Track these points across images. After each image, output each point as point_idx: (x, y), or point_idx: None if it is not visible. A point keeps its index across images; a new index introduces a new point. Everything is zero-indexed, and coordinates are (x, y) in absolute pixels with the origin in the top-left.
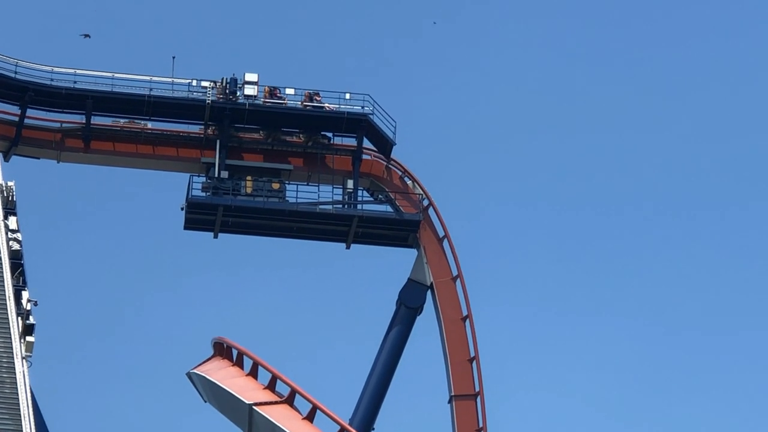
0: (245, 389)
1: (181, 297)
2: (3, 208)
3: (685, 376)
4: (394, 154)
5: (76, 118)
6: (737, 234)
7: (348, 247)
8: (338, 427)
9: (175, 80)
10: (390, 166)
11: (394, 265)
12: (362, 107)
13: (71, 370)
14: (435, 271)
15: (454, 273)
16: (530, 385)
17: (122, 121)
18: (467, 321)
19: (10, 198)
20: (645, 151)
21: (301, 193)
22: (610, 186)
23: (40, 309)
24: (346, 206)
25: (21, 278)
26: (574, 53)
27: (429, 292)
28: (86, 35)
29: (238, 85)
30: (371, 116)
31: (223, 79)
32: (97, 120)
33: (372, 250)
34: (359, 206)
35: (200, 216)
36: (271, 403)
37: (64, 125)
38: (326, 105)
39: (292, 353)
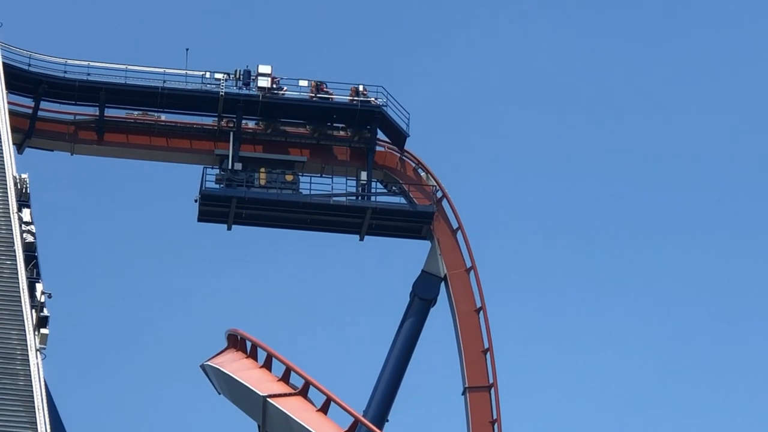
0: (259, 381)
1: (195, 289)
2: (17, 201)
3: (703, 364)
4: (408, 146)
5: (90, 111)
6: (753, 217)
7: (361, 239)
8: (352, 419)
9: (189, 72)
10: (403, 157)
11: (408, 256)
12: (376, 99)
13: (85, 362)
14: (449, 263)
15: (468, 264)
16: (544, 377)
17: (135, 113)
18: (481, 312)
19: (23, 190)
20: (663, 137)
21: (314, 185)
22: (625, 177)
23: (54, 301)
24: (359, 198)
25: (35, 270)
26: (588, 47)
27: (443, 284)
28: None
29: (252, 77)
30: (385, 108)
31: (236, 70)
32: (111, 112)
33: (385, 242)
34: (373, 198)
35: (214, 208)
36: (285, 395)
37: (77, 117)
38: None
39: (306, 345)
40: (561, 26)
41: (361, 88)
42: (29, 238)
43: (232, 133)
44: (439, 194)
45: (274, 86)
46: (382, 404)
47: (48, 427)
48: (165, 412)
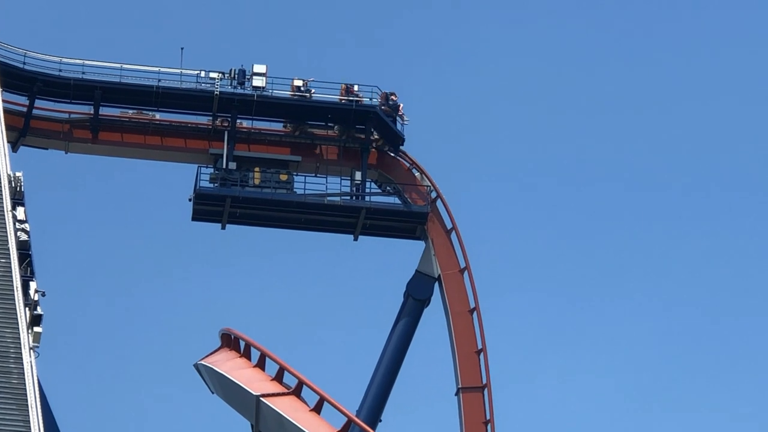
0: (252, 381)
1: (189, 288)
2: (11, 199)
3: (697, 363)
4: (403, 147)
5: (85, 109)
6: (752, 212)
7: (356, 239)
8: (345, 419)
9: (184, 71)
10: (398, 158)
11: (402, 257)
12: (371, 99)
13: (79, 361)
14: (443, 263)
15: (462, 265)
16: (537, 378)
17: (130, 111)
18: (474, 313)
19: (18, 188)
20: (655, 138)
21: (309, 185)
22: (618, 178)
23: (48, 300)
24: (354, 198)
25: (29, 269)
26: (582, 54)
27: (436, 284)
28: None
29: (247, 77)
30: (380, 108)
31: (231, 70)
32: (106, 111)
33: (380, 242)
34: (367, 198)
35: (208, 207)
36: (278, 394)
37: (72, 116)
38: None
39: (300, 345)
40: (556, 30)
41: (356, 88)
42: (23, 237)
43: (226, 133)
44: (434, 194)
45: (303, 88)
46: (375, 404)
47: (41, 425)
48: (158, 410)
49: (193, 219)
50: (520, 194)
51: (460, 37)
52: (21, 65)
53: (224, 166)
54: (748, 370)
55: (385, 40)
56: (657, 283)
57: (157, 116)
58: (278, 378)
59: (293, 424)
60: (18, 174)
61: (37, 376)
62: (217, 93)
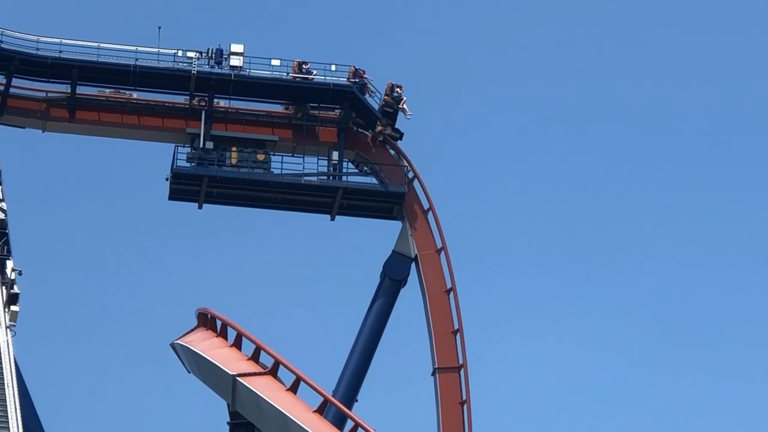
0: (229, 360)
1: (166, 267)
2: None
3: (673, 352)
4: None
5: (62, 88)
6: (736, 208)
7: (333, 219)
8: (321, 399)
9: (161, 51)
10: (375, 138)
11: (379, 237)
12: (348, 79)
13: (55, 340)
14: (419, 244)
15: (439, 245)
16: (514, 358)
17: (108, 91)
18: (451, 293)
19: None
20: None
21: (286, 165)
22: (598, 162)
23: (25, 278)
24: (330, 178)
25: (5, 247)
26: (582, 47)
27: (413, 265)
28: None
29: (224, 56)
30: (357, 88)
31: (209, 49)
32: (83, 90)
33: (356, 222)
34: (344, 178)
35: (185, 186)
36: (254, 374)
37: (49, 95)
38: (313, 72)
39: (276, 325)
40: (551, 25)
41: (366, 75)
42: (0, 216)
43: (204, 112)
44: (411, 175)
45: (303, 70)
46: (351, 384)
47: (17, 403)
48: (135, 389)
49: (170, 198)
50: (498, 175)
51: (442, 16)
52: None
53: (201, 146)
54: (734, 355)
55: (365, 19)
56: (638, 267)
57: (135, 95)
58: (255, 358)
59: (269, 403)
60: None
61: (14, 355)
62: (195, 72)
